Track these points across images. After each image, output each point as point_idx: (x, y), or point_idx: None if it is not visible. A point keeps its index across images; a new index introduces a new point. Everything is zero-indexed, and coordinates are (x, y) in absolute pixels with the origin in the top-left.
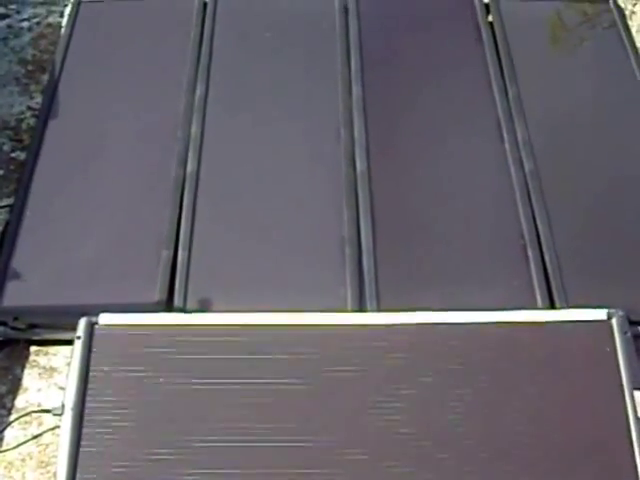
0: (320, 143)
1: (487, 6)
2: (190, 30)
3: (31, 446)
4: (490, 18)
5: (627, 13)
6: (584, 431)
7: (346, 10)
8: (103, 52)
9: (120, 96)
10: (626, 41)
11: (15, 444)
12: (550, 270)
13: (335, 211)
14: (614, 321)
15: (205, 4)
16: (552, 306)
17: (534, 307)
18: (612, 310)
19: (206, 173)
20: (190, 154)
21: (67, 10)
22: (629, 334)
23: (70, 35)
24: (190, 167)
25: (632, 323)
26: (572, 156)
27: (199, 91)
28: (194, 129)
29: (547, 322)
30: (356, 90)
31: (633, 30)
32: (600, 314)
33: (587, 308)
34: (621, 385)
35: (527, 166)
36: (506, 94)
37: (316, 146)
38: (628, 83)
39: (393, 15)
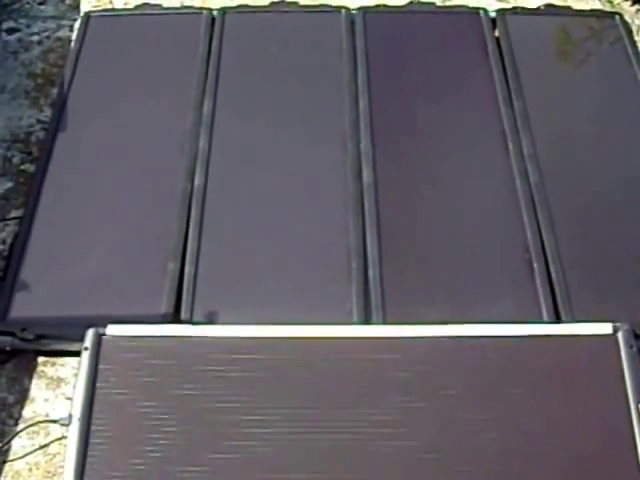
0: (327, 156)
1: (494, 21)
2: (198, 45)
3: (38, 456)
4: (497, 33)
5: (634, 28)
6: (590, 445)
7: (353, 25)
8: (112, 66)
9: (128, 110)
10: (632, 56)
11: (22, 454)
12: (556, 284)
13: (342, 224)
14: (620, 335)
15: (213, 19)
16: (558, 320)
17: (540, 321)
18: (618, 324)
19: (213, 187)
20: (197, 168)
21: (77, 24)
22: (635, 348)
23: (79, 49)
24: (197, 181)
25: (638, 337)
26: (577, 169)
27: (207, 106)
28: (202, 143)
29: (553, 336)
30: (363, 103)
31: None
32: (606, 328)
33: (593, 322)
34: (627, 399)
35: (533, 179)
36: (512, 108)
37: (323, 159)
38: (634, 97)
39: (400, 29)
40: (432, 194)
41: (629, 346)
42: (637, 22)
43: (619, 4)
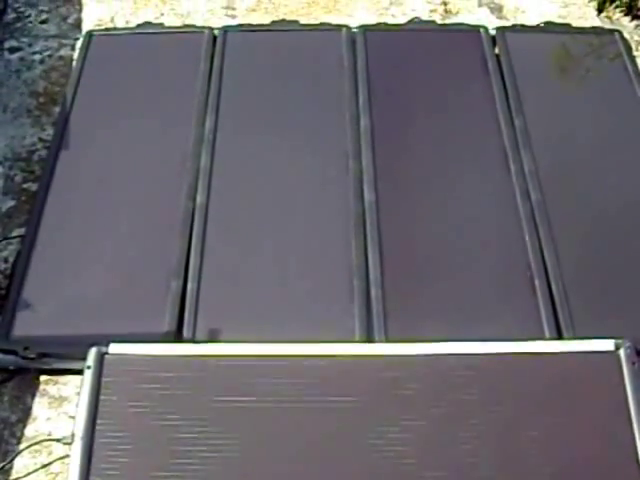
0: (328, 175)
1: (494, 38)
2: (200, 64)
3: (41, 475)
4: (497, 50)
5: (633, 45)
6: (592, 462)
7: (353, 43)
8: (114, 85)
9: (130, 128)
10: (632, 73)
11: (25, 473)
12: (557, 301)
13: (343, 242)
14: (622, 352)
15: (215, 38)
16: (559, 337)
17: (542, 338)
18: (620, 341)
19: (215, 205)
20: (199, 186)
21: (78, 43)
22: (637, 364)
23: (81, 68)
24: (199, 199)
25: None
26: (578, 186)
27: (208, 124)
28: (203, 161)
29: (555, 353)
30: (364, 122)
31: (639, 61)
32: (608, 345)
33: (595, 339)
34: (629, 415)
35: (534, 196)
36: (513, 125)
37: (324, 178)
38: (634, 114)
39: (400, 47)
40: (433, 212)
41: (631, 363)
42: (636, 37)
43: (618, 19)
